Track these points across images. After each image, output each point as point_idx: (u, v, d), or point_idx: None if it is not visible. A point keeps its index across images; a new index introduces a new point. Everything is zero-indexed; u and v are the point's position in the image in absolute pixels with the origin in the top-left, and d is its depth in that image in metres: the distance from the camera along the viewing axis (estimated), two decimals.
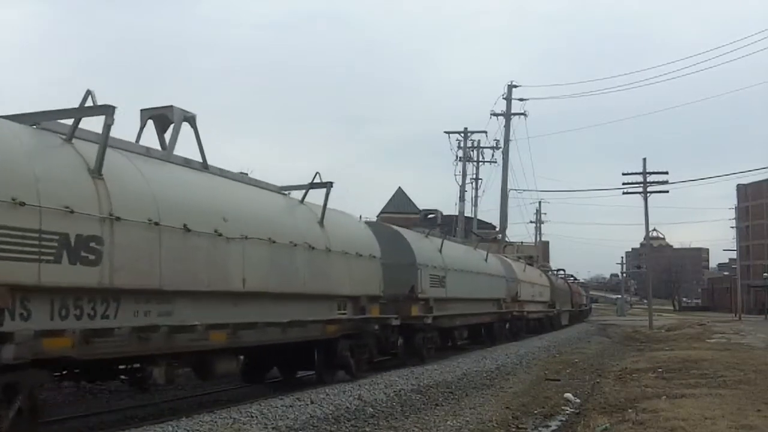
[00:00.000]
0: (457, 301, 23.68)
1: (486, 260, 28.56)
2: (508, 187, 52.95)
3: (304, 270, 13.80)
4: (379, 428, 11.20)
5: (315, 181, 15.15)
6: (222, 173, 13.14)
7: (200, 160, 12.63)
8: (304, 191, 15.22)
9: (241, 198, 12.78)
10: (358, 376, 15.94)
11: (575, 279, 76.23)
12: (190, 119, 12.41)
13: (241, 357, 14.04)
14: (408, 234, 21.32)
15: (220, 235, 11.18)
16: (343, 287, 15.54)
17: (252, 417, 10.94)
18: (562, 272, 60.32)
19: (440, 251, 22.61)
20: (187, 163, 12.23)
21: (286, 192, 15.31)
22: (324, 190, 15.31)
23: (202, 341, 10.87)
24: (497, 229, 54.46)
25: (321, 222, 15.07)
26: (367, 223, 20.36)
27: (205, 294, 10.99)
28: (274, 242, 12.70)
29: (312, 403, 12.44)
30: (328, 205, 15.37)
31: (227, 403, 12.86)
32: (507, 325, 31.79)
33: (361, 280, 16.33)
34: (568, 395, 15.10)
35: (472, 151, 53.76)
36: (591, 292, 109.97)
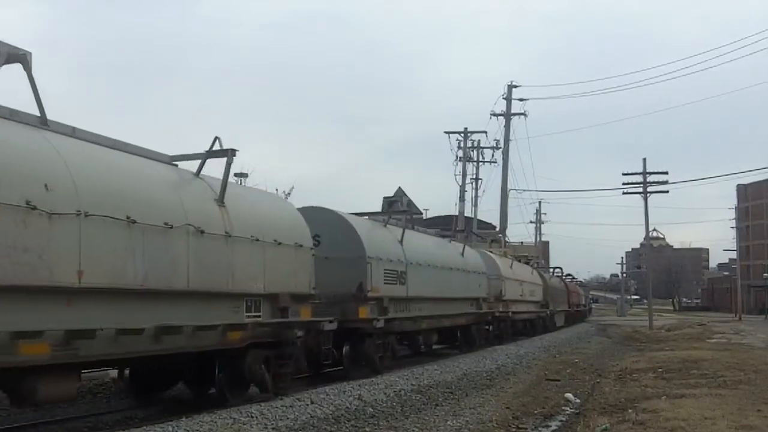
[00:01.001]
0: (423, 300, 20.40)
1: (462, 254, 25.19)
2: (508, 187, 52.99)
3: (186, 260, 10.78)
4: (379, 428, 11.20)
5: (215, 148, 12.13)
6: (74, 133, 10.24)
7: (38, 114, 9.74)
8: (200, 162, 12.20)
9: (91, 164, 9.79)
10: (278, 393, 13.18)
11: (573, 278, 73.35)
12: (22, 58, 9.54)
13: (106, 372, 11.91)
14: (357, 222, 18.21)
15: (34, 208, 8.35)
16: (253, 283, 12.43)
17: (252, 417, 10.94)
18: (558, 270, 58.25)
19: (401, 242, 19.38)
20: (13, 115, 9.35)
21: (177, 163, 12.31)
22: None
23: (7, 356, 8.07)
24: (497, 229, 54.41)
25: (220, 200, 11.93)
26: (306, 208, 17.16)
27: (9, 290, 8.11)
28: (134, 222, 9.78)
29: (312, 403, 12.44)
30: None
31: (227, 403, 12.84)
32: (490, 327, 28.92)
33: (283, 275, 13.25)
34: (569, 395, 15.11)
35: (472, 151, 53.78)
36: (591, 292, 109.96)
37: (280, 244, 13.21)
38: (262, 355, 12.92)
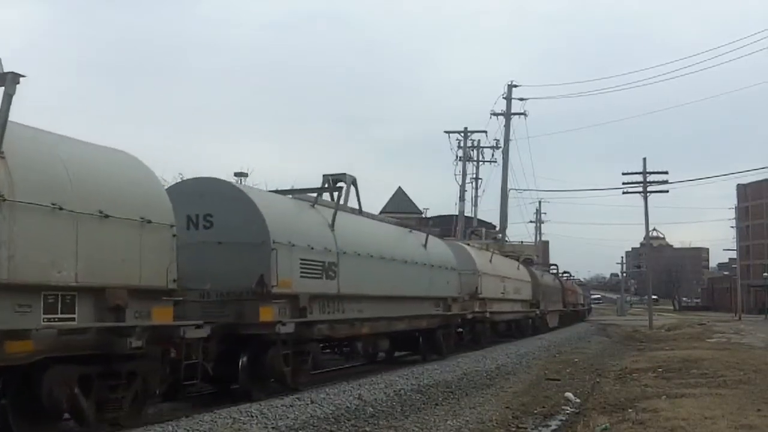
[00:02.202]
0: (364, 300, 16.63)
1: (425, 246, 21.30)
2: (508, 186, 52.98)
3: None
4: (379, 428, 11.20)
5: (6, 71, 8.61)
6: None
7: None
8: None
9: None
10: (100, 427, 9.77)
11: (570, 275, 69.49)
12: None
13: None
14: (260, 198, 14.29)
15: None
16: (55, 271, 8.79)
17: (252, 417, 10.94)
18: (554, 267, 56.68)
19: (331, 227, 15.62)
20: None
21: None
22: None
23: None
24: (497, 229, 54.43)
25: None
26: (195, 179, 14.21)
27: None
28: None
29: (312, 402, 12.44)
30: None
31: (227, 403, 12.84)
32: (464, 331, 25.61)
33: (114, 261, 9.68)
34: (569, 395, 15.11)
35: (472, 150, 53.86)
36: (591, 292, 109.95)
37: (107, 217, 9.53)
38: (75, 375, 9.23)
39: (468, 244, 30.35)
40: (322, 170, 16.32)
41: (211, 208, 13.47)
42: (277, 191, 16.48)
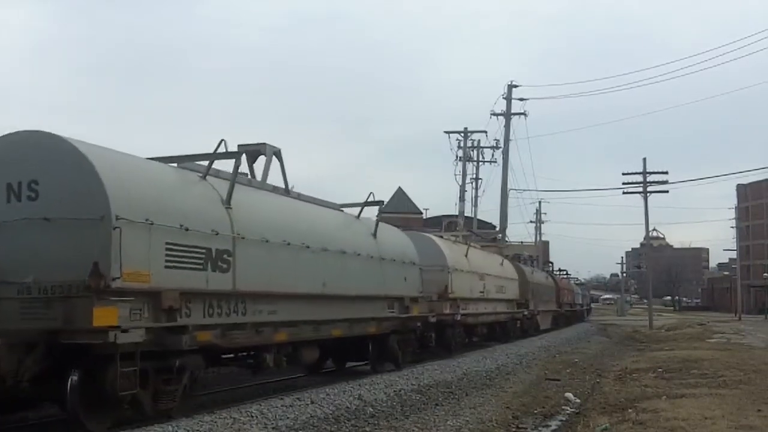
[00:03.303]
0: (280, 299, 13.10)
1: (374, 235, 17.59)
2: (508, 187, 52.95)
3: None
4: (379, 428, 11.20)
5: None
6: None
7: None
8: None
9: None
10: None
11: (567, 274, 66.38)
12: None
13: None
14: (101, 157, 10.34)
15: None
16: None
17: (252, 417, 10.94)
18: (549, 264, 54.98)
19: (226, 203, 11.92)
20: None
21: None
22: None
23: None
24: (497, 229, 54.44)
25: None
26: (13, 134, 10.63)
27: None
28: None
29: (312, 403, 12.43)
30: None
31: (227, 403, 12.84)
32: (433, 335, 22.00)
33: None
34: (568, 395, 15.13)
35: (472, 151, 53.84)
36: (591, 292, 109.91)
37: None
38: None
39: (441, 236, 26.92)
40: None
41: (37, 172, 10.06)
42: (157, 158, 12.37)
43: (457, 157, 52.58)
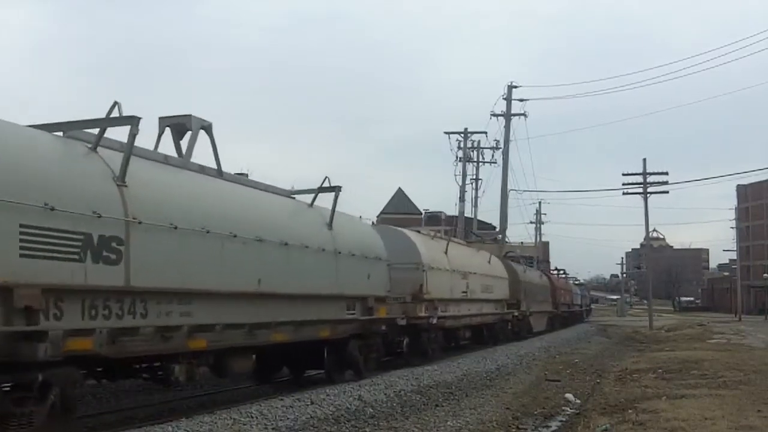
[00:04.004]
0: (196, 298, 10.85)
1: (330, 226, 15.37)
2: (508, 187, 52.98)
3: None
4: (379, 429, 11.21)
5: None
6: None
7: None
8: None
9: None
10: None
11: (564, 273, 64.14)
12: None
13: None
14: None
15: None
16: None
17: (252, 417, 10.95)
18: (545, 264, 54.11)
19: (119, 180, 9.80)
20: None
21: None
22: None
23: None
24: (497, 230, 54.48)
25: None
26: None
27: None
28: None
29: (312, 403, 12.44)
30: None
31: (227, 403, 12.85)
32: (405, 341, 19.93)
33: None
34: (569, 396, 15.13)
35: (472, 151, 53.87)
36: (591, 293, 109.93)
37: None
38: None
39: (418, 231, 24.80)
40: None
41: None
42: (41, 125, 10.15)
43: (457, 157, 52.64)
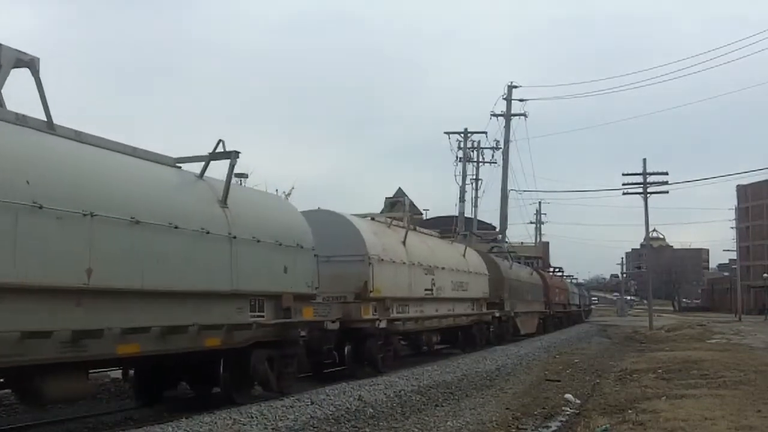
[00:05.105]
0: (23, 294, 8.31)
1: (224, 202, 12.10)
2: (508, 187, 52.98)
3: None
4: (379, 429, 11.22)
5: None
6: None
7: None
8: None
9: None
10: None
11: (560, 270, 60.87)
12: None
13: None
14: None
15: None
16: None
17: (252, 417, 10.95)
18: (537, 261, 51.33)
19: None
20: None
21: None
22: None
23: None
24: (497, 230, 54.47)
25: None
26: None
27: None
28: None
29: (312, 403, 12.44)
30: None
31: (227, 403, 12.85)
32: (347, 349, 16.92)
33: None
34: (568, 396, 15.12)
35: (472, 151, 53.91)
36: (591, 293, 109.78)
37: None
38: None
39: (373, 218, 20.92)
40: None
41: None
42: None
43: (457, 157, 52.69)
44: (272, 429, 10.52)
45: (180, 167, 12.34)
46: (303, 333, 14.12)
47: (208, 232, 11.41)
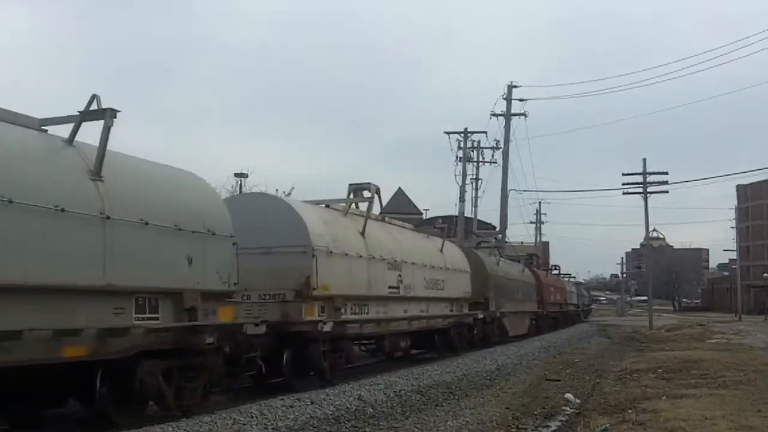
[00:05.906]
0: None
1: (97, 174, 9.73)
2: (508, 187, 52.97)
3: None
4: (379, 429, 11.22)
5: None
6: None
7: None
8: None
9: None
10: None
11: (557, 268, 59.05)
12: None
13: None
14: None
15: None
16: None
17: (252, 417, 10.95)
18: (533, 259, 49.37)
19: None
20: None
21: None
22: None
23: None
24: (497, 230, 54.48)
25: None
26: None
27: None
28: None
29: (312, 403, 12.43)
30: None
31: (227, 403, 12.85)
32: (286, 356, 14.58)
33: None
34: (568, 396, 15.12)
35: (472, 151, 53.90)
36: (591, 292, 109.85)
37: None
38: None
39: (327, 206, 18.03)
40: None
41: None
42: None
43: (457, 157, 52.63)
44: (272, 429, 10.52)
45: (46, 130, 10.11)
46: (210, 339, 11.34)
47: (63, 210, 8.95)
